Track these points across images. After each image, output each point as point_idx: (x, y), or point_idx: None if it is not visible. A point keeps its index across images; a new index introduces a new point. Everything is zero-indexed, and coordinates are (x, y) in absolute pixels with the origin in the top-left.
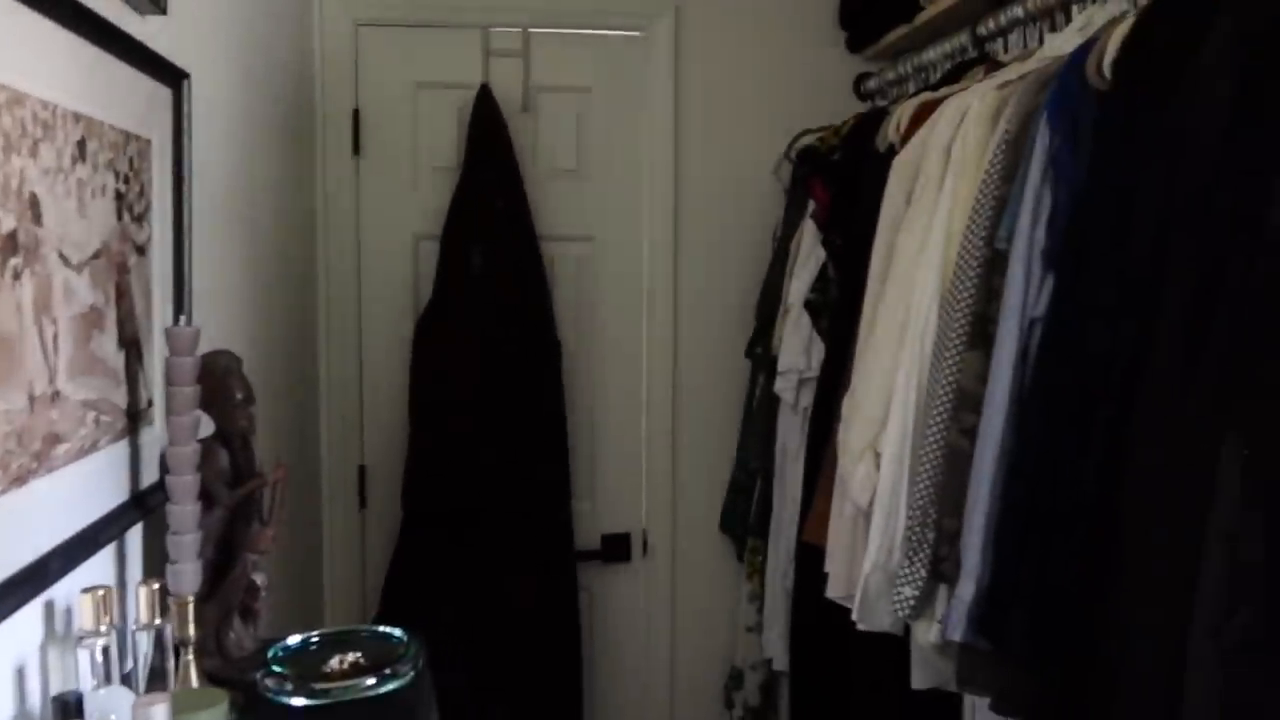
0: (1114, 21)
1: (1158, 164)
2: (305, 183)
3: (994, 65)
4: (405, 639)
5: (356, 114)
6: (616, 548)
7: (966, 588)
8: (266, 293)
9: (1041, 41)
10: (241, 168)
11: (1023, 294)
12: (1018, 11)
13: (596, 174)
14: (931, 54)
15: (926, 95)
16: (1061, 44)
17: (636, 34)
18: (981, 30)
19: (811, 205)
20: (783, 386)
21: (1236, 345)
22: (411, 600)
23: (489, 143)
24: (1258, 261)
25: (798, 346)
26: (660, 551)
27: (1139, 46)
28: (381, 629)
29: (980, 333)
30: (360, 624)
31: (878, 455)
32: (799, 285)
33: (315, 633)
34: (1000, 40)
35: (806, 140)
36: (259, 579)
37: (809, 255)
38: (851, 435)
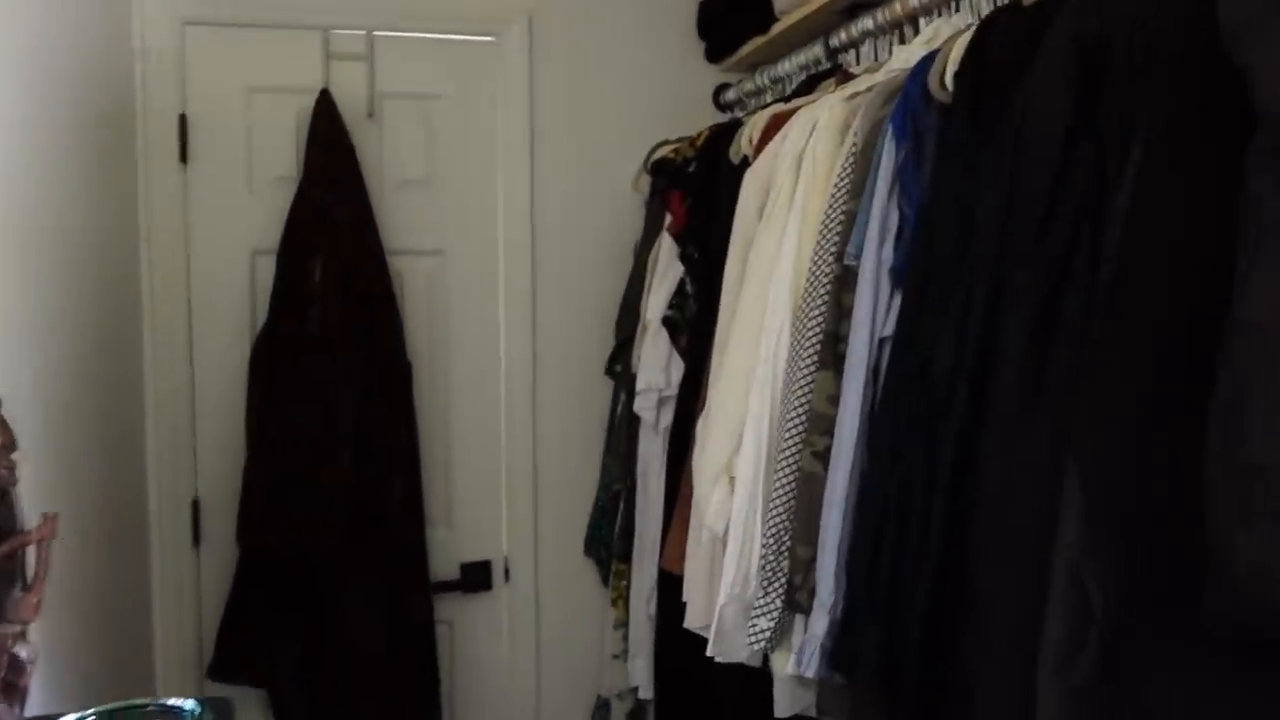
0: (958, 33)
1: (997, 178)
2: (122, 193)
3: (846, 77)
4: (198, 712)
5: (183, 119)
6: (477, 576)
7: (819, 621)
8: (60, 315)
9: (891, 54)
10: (18, 178)
11: (871, 312)
12: (868, 23)
13: (447, 185)
14: (787, 65)
15: (778, 107)
16: (909, 56)
17: (489, 39)
18: (834, 42)
19: (668, 218)
20: (642, 406)
21: (1075, 370)
22: (250, 646)
23: (330, 151)
24: (1094, 283)
25: (657, 364)
26: (523, 578)
27: (978, 57)
28: (171, 702)
29: (831, 352)
30: (188, 681)
31: (732, 479)
32: (657, 301)
33: (91, 711)
34: (852, 52)
35: (663, 152)
36: (23, 652)
37: (667, 270)
38: (705, 458)
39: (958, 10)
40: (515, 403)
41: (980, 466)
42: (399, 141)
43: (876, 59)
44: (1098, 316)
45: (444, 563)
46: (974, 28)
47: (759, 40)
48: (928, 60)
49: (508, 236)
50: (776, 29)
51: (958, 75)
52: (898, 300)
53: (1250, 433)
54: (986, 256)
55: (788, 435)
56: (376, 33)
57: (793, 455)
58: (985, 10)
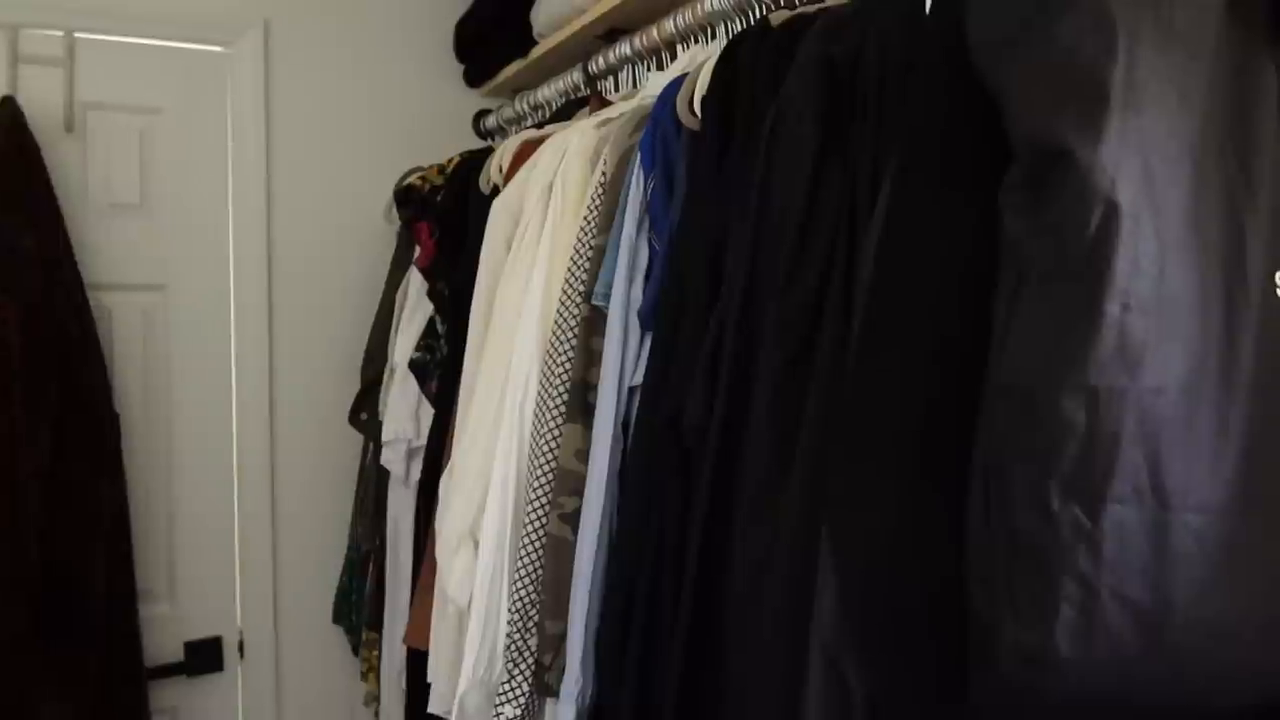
0: (711, 56)
1: (746, 212)
2: None
3: (601, 103)
4: None
5: None
6: (205, 656)
7: (567, 710)
8: None
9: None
10: None
11: (620, 358)
12: (626, 49)
13: (168, 211)
14: (546, 91)
15: (530, 132)
16: (663, 82)
17: (219, 49)
18: (593, 68)
19: (417, 251)
20: (390, 458)
21: (828, 429)
22: None
23: (14, 170)
24: (848, 329)
25: (405, 412)
26: (261, 654)
27: (726, 80)
28: None
29: (580, 402)
30: None
31: (478, 545)
32: (405, 342)
33: None
34: (612, 78)
35: (411, 179)
36: None
37: (416, 308)
38: (448, 520)
39: (714, 38)
40: (250, 455)
41: (734, 535)
42: (108, 160)
43: (635, 86)
44: (852, 369)
45: (164, 643)
46: (723, 49)
47: (519, 64)
48: (677, 84)
49: (240, 269)
50: (536, 53)
51: (705, 100)
52: (648, 345)
53: (1012, 501)
54: (736, 297)
55: (534, 495)
56: (79, 34)
57: (539, 518)
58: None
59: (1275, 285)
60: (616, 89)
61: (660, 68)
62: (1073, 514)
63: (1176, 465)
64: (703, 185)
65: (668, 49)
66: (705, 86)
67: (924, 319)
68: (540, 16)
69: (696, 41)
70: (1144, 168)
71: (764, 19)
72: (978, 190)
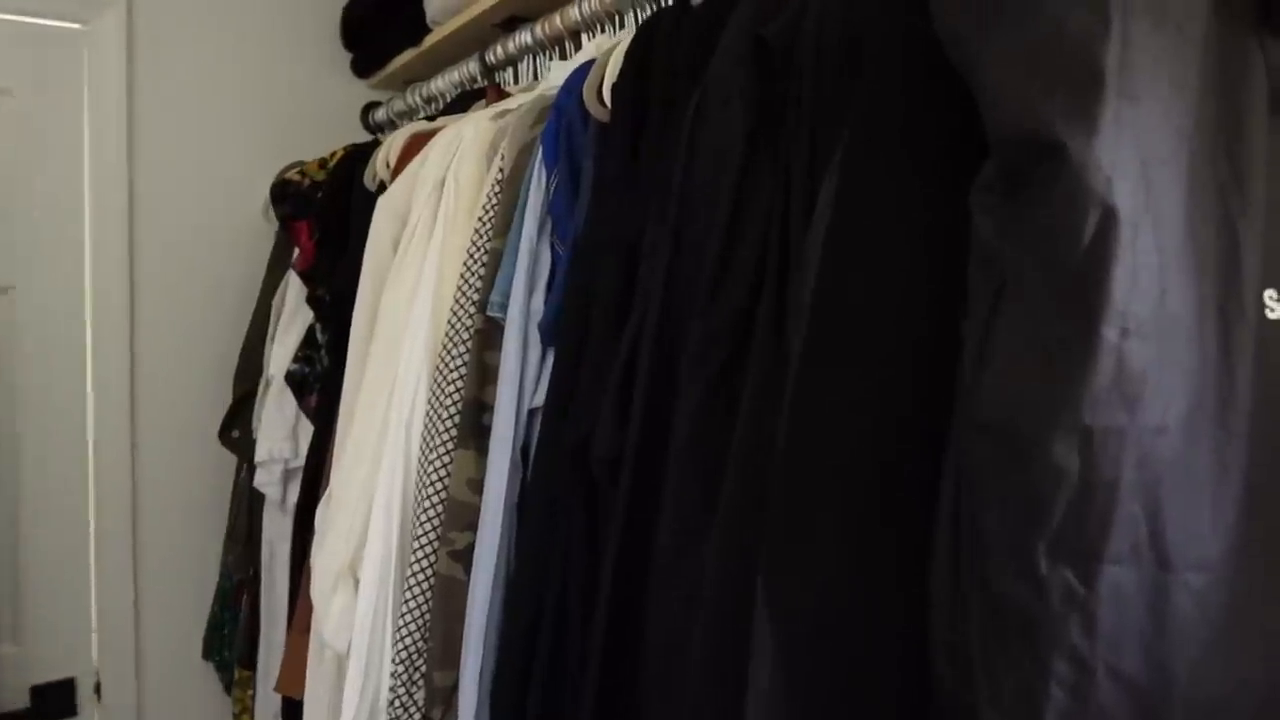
0: (618, 42)
1: (664, 213)
2: None
3: (499, 95)
4: None
5: None
6: (55, 700)
7: None
8: None
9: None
10: None
11: (518, 376)
12: (526, 38)
13: (16, 203)
14: (441, 83)
15: (420, 125)
16: (567, 72)
17: (75, 26)
18: (490, 58)
19: (296, 253)
20: (265, 480)
21: (763, 463)
22: None
23: None
24: (782, 348)
25: (282, 429)
26: (121, 697)
27: (639, 66)
28: None
29: (473, 425)
30: None
31: (358, 583)
32: (282, 352)
33: None
34: (510, 70)
35: (289, 174)
36: None
37: (294, 315)
38: (325, 555)
39: (624, 26)
40: (108, 476)
41: (651, 584)
42: None
43: (536, 78)
44: (790, 394)
45: (8, 689)
46: (636, 31)
47: (411, 53)
48: (583, 71)
49: (98, 269)
50: (429, 41)
51: (616, 88)
52: (550, 362)
53: (992, 561)
54: (653, 310)
55: (421, 529)
56: None
57: (427, 555)
58: None
59: (1266, 304)
60: (516, 80)
61: (564, 58)
62: (1064, 578)
63: (1177, 516)
64: (613, 182)
65: (572, 38)
66: (616, 73)
67: (878, 335)
68: (434, 3)
69: (603, 30)
70: (1141, 166)
71: (682, 1)
72: (940, 186)
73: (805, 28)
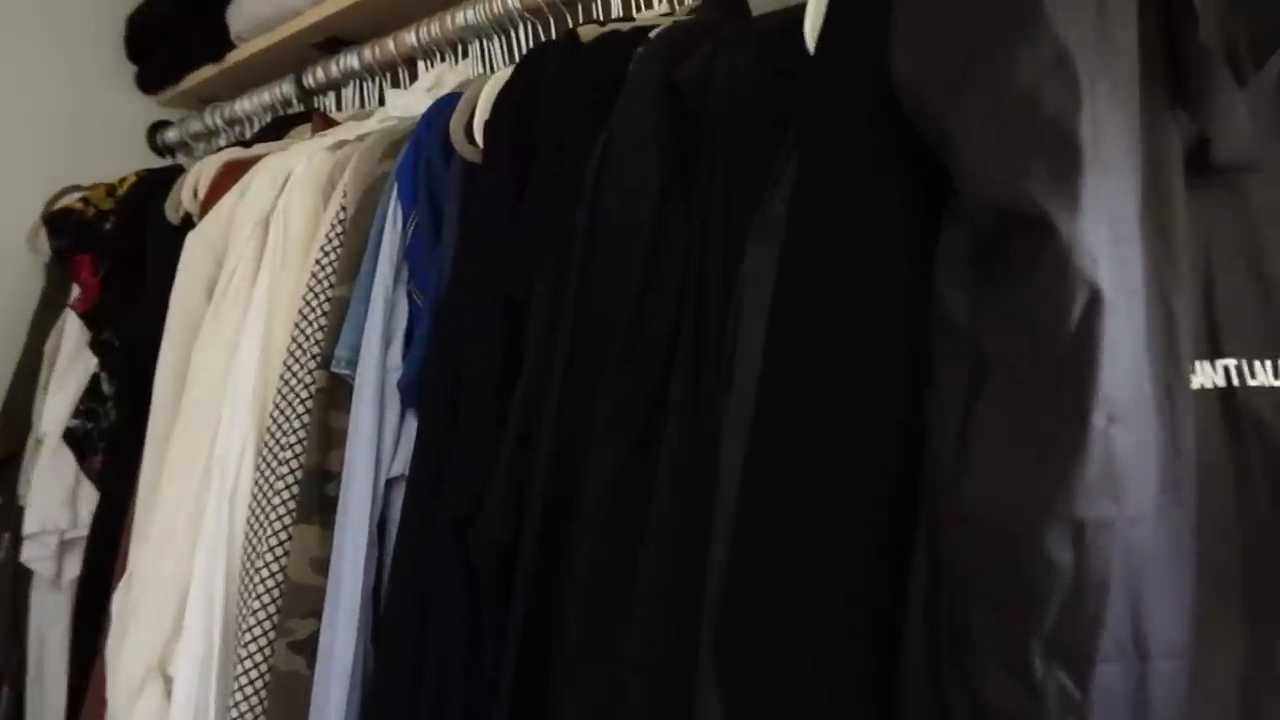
0: (485, 76)
1: (562, 266)
2: None
3: (326, 123)
4: None
5: None
6: None
7: None
8: None
9: (383, 100)
10: None
11: (374, 441)
12: (353, 62)
13: None
14: (247, 104)
15: (235, 152)
16: (409, 103)
17: None
18: (309, 80)
19: (76, 291)
20: (35, 554)
21: (692, 549)
22: None
23: None
24: (704, 419)
25: (57, 494)
26: None
27: (521, 103)
28: None
29: (315, 496)
30: None
31: (170, 682)
32: (58, 405)
33: None
34: (333, 94)
35: (69, 200)
36: None
37: (73, 362)
38: (127, 650)
39: (465, 56)
40: None
41: (560, 683)
42: None
43: (364, 105)
44: (744, 482)
45: None
46: (516, 65)
47: (209, 70)
48: (444, 105)
49: None
50: (233, 58)
51: (492, 127)
52: (413, 426)
53: (981, 665)
54: (556, 370)
55: (254, 618)
56: None
57: (260, 647)
58: (498, 60)
59: (1189, 378)
60: (340, 107)
61: (396, 84)
62: (1059, 681)
63: (1153, 605)
64: (490, 228)
65: (406, 65)
66: (490, 108)
67: (837, 405)
68: (240, 17)
69: (443, 58)
70: (1113, 243)
71: (571, 33)
72: (892, 250)
73: (717, 74)
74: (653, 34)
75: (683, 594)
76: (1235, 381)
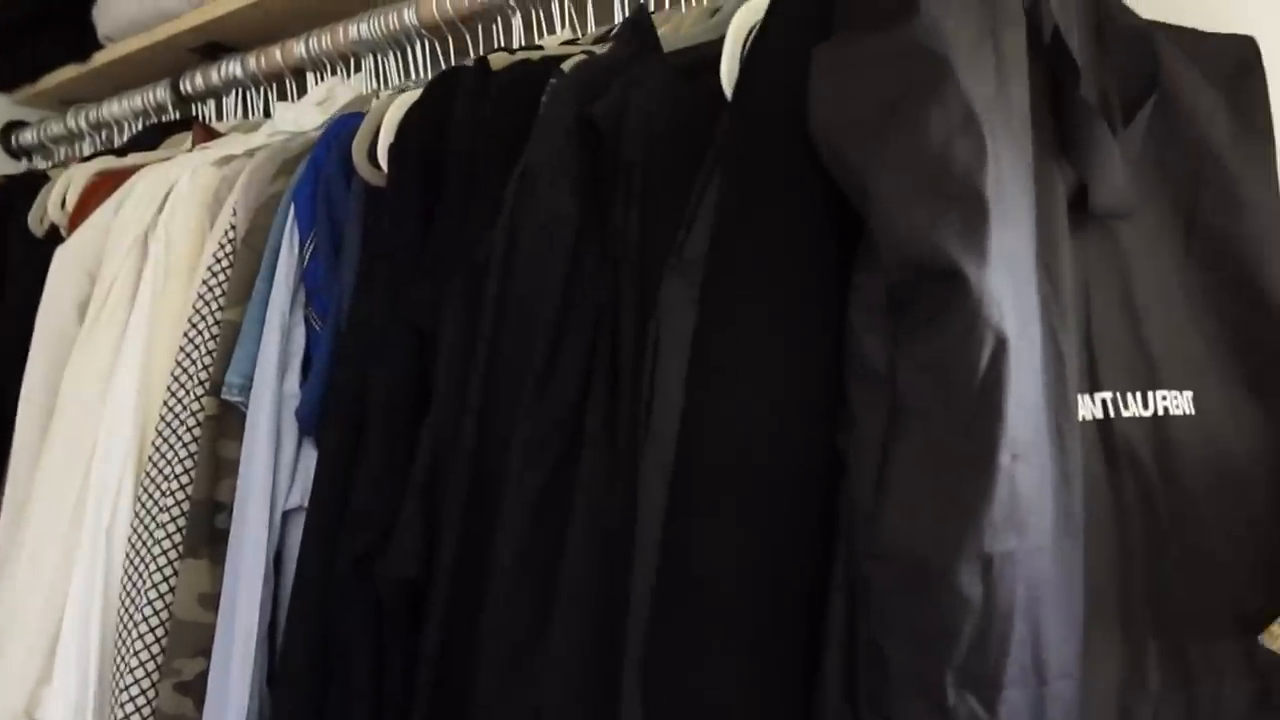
0: (396, 91)
1: (471, 296)
2: None
3: (208, 134)
4: None
5: None
6: None
7: None
8: None
9: (269, 112)
10: None
11: (269, 469)
12: (236, 70)
13: None
14: (116, 108)
15: (108, 161)
16: (297, 117)
17: None
18: (186, 87)
19: None
20: None
21: (610, 593)
22: None
23: None
24: (621, 454)
25: None
26: None
27: (428, 127)
28: None
29: (204, 529)
30: None
31: None
32: None
33: None
34: (213, 102)
35: None
36: None
37: None
38: None
39: (357, 69)
40: None
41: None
42: None
43: (248, 115)
44: (667, 525)
45: None
46: (425, 88)
47: (73, 70)
48: (347, 123)
49: None
50: (100, 58)
51: (397, 150)
52: (311, 455)
53: (894, 693)
54: (472, 400)
55: (135, 658)
56: None
57: (143, 689)
58: (393, 76)
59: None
60: (219, 116)
61: (283, 96)
62: (970, 708)
63: (1049, 630)
64: (396, 255)
65: (294, 76)
66: (394, 130)
67: (758, 448)
68: (107, 15)
69: (335, 72)
70: (1014, 290)
71: (482, 60)
72: (807, 293)
73: (633, 110)
74: (566, 65)
75: (600, 634)
76: (1111, 413)
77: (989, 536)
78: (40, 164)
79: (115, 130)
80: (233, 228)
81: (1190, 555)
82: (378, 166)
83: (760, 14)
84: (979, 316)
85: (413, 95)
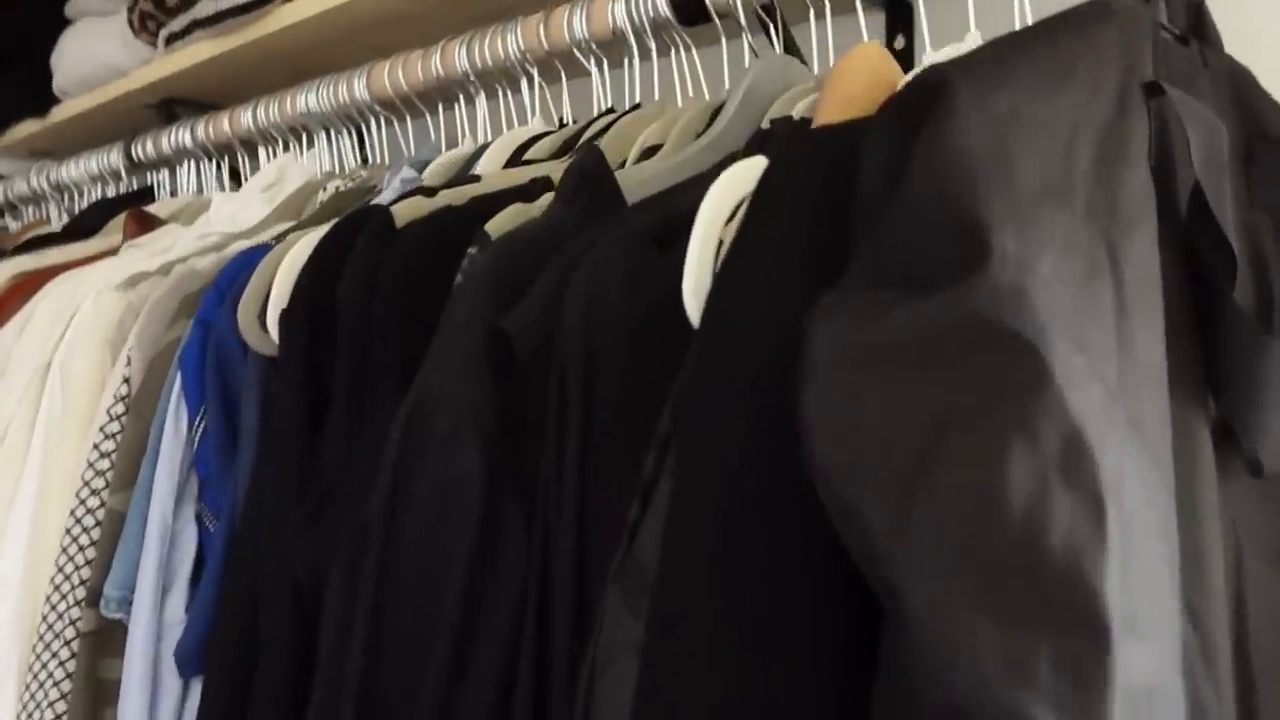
0: (296, 235)
1: (360, 544)
2: None
3: (142, 223)
4: None
5: None
6: None
7: None
8: None
9: (230, 179)
10: None
11: (145, 715)
12: (185, 138)
13: None
14: (74, 171)
15: (27, 262)
16: (236, 212)
17: None
18: (137, 152)
19: None
20: None
21: None
22: None
23: None
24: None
25: None
26: None
27: (322, 289)
28: None
29: None
30: None
31: None
32: None
33: None
34: (165, 170)
35: None
36: None
37: None
38: None
39: (311, 145)
40: None
41: None
42: None
43: (201, 189)
44: None
45: None
46: (316, 248)
47: (33, 124)
48: (248, 262)
49: None
50: (56, 116)
51: (289, 316)
52: (196, 694)
53: None
54: (339, 689)
55: None
56: None
57: None
58: (349, 156)
59: None
60: (171, 189)
61: (235, 175)
62: None
63: None
64: (284, 458)
65: (245, 148)
66: (288, 294)
67: None
68: (60, 70)
69: (287, 148)
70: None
71: (385, 215)
72: (804, 644)
73: (570, 312)
74: (490, 229)
75: None
76: None
77: None
78: (10, 223)
79: (75, 194)
80: (126, 381)
81: None
82: (269, 336)
83: (750, 184)
84: None
85: (308, 245)
